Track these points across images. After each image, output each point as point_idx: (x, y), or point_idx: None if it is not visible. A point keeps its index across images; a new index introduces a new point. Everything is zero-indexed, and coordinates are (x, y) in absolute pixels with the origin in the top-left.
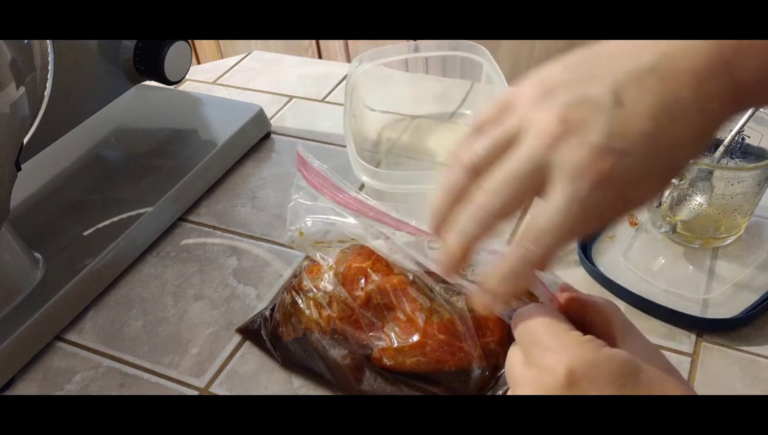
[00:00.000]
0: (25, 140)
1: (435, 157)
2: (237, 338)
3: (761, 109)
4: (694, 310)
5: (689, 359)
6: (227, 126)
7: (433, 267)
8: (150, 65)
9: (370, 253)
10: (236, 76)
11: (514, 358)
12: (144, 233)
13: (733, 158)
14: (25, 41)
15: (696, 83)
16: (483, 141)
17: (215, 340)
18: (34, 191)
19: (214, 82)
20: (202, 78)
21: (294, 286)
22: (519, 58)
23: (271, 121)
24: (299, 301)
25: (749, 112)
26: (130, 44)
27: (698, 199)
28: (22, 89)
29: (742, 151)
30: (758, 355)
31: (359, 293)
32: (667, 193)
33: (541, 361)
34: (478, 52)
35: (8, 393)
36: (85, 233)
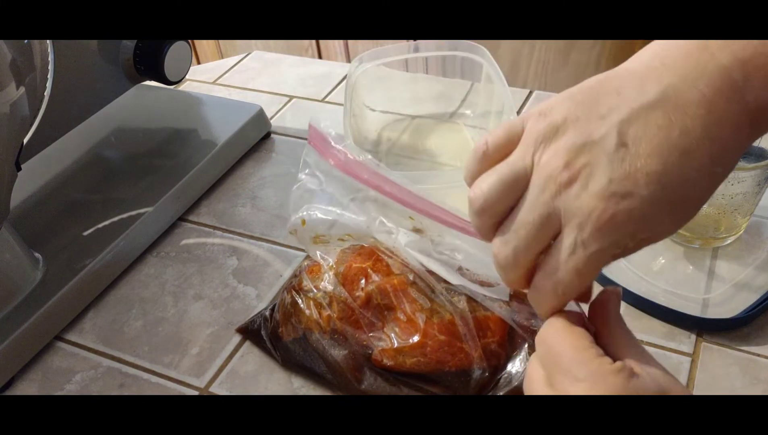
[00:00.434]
0: (25, 140)
1: (435, 157)
2: (237, 338)
3: None
4: (694, 310)
5: (689, 359)
6: (227, 126)
7: (434, 268)
8: (150, 65)
9: (370, 254)
10: (236, 76)
11: (535, 375)
12: (144, 233)
13: None
14: (25, 41)
15: (705, 113)
16: (490, 178)
17: (215, 340)
18: (34, 191)
19: (214, 82)
20: (202, 78)
21: (294, 286)
22: (519, 58)
23: (271, 121)
24: (299, 301)
25: None
26: (130, 44)
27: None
28: (22, 89)
29: None
30: (758, 355)
31: (359, 293)
32: None
33: (568, 389)
34: (478, 52)
35: (8, 393)
36: (85, 233)
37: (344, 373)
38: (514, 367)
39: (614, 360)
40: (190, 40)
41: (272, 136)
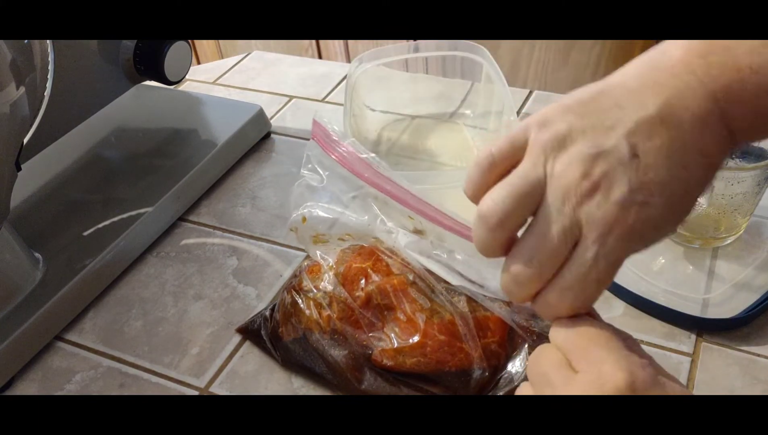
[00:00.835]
0: (25, 140)
1: (435, 157)
2: (237, 338)
3: None
4: (694, 310)
5: (689, 359)
6: (227, 126)
7: (434, 268)
8: (150, 65)
9: (370, 254)
10: (236, 76)
11: (552, 358)
12: (144, 233)
13: (733, 158)
14: (25, 41)
15: (698, 132)
16: (504, 190)
17: (215, 340)
18: (34, 191)
19: (214, 82)
20: (202, 78)
21: (294, 286)
22: (519, 58)
23: (271, 121)
24: (299, 301)
25: None
26: (130, 44)
27: (698, 199)
28: (22, 89)
29: (742, 151)
30: (758, 355)
31: (359, 293)
32: None
33: (597, 369)
34: (478, 52)
35: (8, 393)
36: (85, 233)
37: (344, 373)
38: (514, 367)
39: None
40: (190, 40)
41: (272, 136)
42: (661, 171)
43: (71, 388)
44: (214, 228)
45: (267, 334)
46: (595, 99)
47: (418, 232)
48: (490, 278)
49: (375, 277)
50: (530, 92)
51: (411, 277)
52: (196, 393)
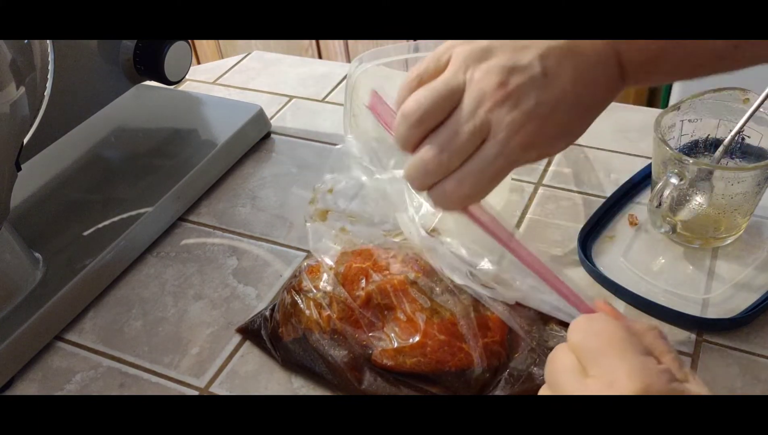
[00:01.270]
0: (25, 140)
1: None
2: (237, 338)
3: (761, 109)
4: (694, 310)
5: (689, 359)
6: (227, 126)
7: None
8: (150, 65)
9: (370, 254)
10: (236, 76)
11: (566, 361)
12: (144, 233)
13: (733, 158)
14: (25, 41)
15: (597, 65)
16: (426, 92)
17: (215, 340)
18: (34, 191)
19: (214, 82)
20: (202, 78)
21: (294, 286)
22: None
23: (271, 121)
24: (299, 301)
25: (749, 112)
26: (130, 44)
27: (698, 199)
28: (22, 89)
29: (742, 151)
30: (758, 355)
31: (360, 293)
32: (667, 192)
33: (609, 376)
34: None
35: (8, 393)
36: (85, 233)
37: (344, 374)
38: (514, 367)
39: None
40: (190, 40)
41: (272, 136)
42: (563, 93)
43: (71, 388)
44: (214, 228)
45: (267, 334)
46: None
47: (437, 232)
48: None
49: (375, 277)
50: None
51: (411, 277)
52: (196, 393)
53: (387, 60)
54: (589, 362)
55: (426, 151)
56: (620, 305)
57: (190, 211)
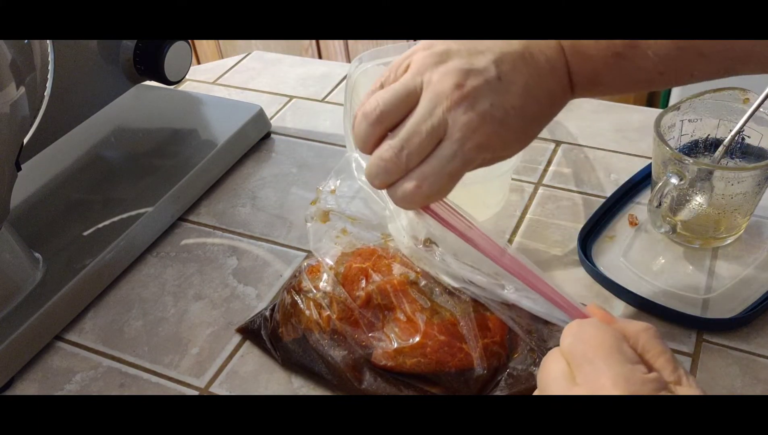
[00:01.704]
0: (25, 140)
1: None
2: (237, 338)
3: (761, 109)
4: (694, 310)
5: (689, 359)
6: (227, 126)
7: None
8: (150, 65)
9: (370, 254)
10: (236, 76)
11: (556, 367)
12: (144, 233)
13: (733, 158)
14: (25, 41)
15: (549, 74)
16: (385, 93)
17: (215, 340)
18: (34, 191)
19: (214, 82)
20: (202, 78)
21: (294, 286)
22: None
23: (271, 121)
24: (299, 301)
25: (749, 112)
26: (130, 44)
27: (698, 199)
28: (22, 89)
29: (742, 151)
30: (758, 355)
31: (360, 293)
32: (666, 191)
33: (594, 384)
34: None
35: (8, 393)
36: (85, 233)
37: (344, 374)
38: (514, 367)
39: (649, 369)
40: (190, 40)
41: (272, 136)
42: (517, 97)
43: (71, 388)
44: (214, 228)
45: (267, 334)
46: (468, 42)
47: (430, 242)
48: (496, 283)
49: (375, 277)
50: None
51: (412, 277)
52: (196, 393)
53: (387, 60)
54: (576, 367)
55: (385, 151)
56: (620, 305)
57: (190, 211)
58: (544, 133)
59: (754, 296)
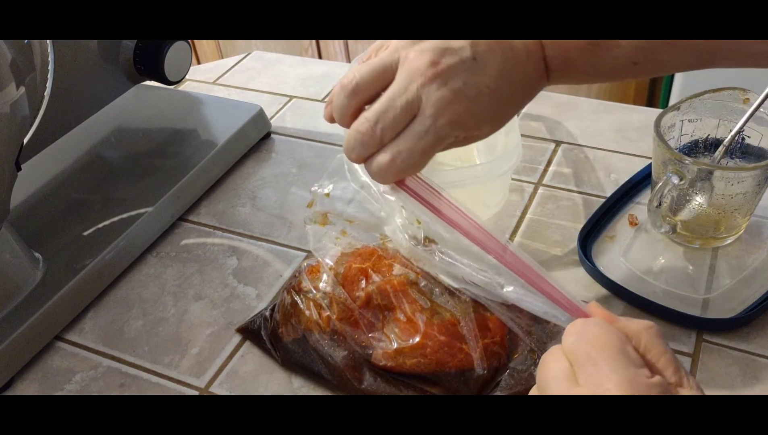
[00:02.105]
0: (25, 140)
1: (434, 157)
2: (237, 338)
3: (761, 109)
4: (694, 310)
5: (689, 359)
6: (227, 126)
7: (435, 272)
8: (150, 65)
9: (370, 254)
10: (236, 76)
11: (557, 366)
12: (144, 233)
13: (733, 158)
14: (25, 41)
15: (525, 59)
16: (363, 67)
17: (215, 340)
18: (34, 191)
19: (214, 82)
20: (202, 78)
21: (294, 286)
22: None
23: (271, 121)
24: (299, 301)
25: (749, 112)
26: (130, 44)
27: (698, 199)
28: (22, 89)
29: (742, 151)
30: (758, 355)
31: (360, 294)
32: (666, 191)
33: (597, 386)
34: None
35: (8, 393)
36: (85, 233)
37: (344, 374)
38: (514, 367)
39: (651, 372)
40: (190, 40)
41: (272, 136)
42: (491, 78)
43: (71, 388)
44: (214, 228)
45: (267, 334)
46: None
47: (429, 241)
48: (495, 283)
49: (375, 278)
50: None
51: (412, 277)
52: (196, 393)
53: None
54: (579, 367)
55: (361, 124)
56: (620, 305)
57: (190, 211)
58: (544, 133)
59: (754, 296)
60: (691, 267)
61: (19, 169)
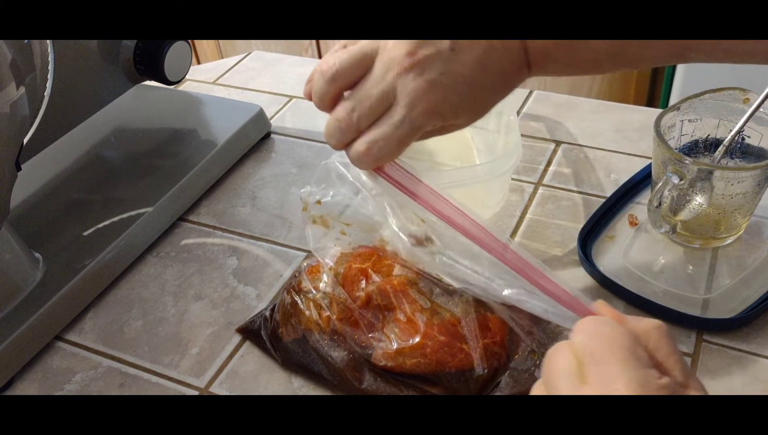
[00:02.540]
0: (25, 140)
1: (434, 157)
2: (237, 338)
3: (761, 109)
4: (694, 310)
5: (689, 359)
6: (227, 126)
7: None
8: (150, 65)
9: (370, 255)
10: (236, 76)
11: (564, 363)
12: (144, 233)
13: (733, 158)
14: (25, 41)
15: (504, 51)
16: (343, 53)
17: (215, 340)
18: (34, 191)
19: (214, 82)
20: (202, 78)
21: (294, 286)
22: None
23: (271, 121)
24: (299, 301)
25: (749, 112)
26: (130, 44)
27: (698, 199)
28: (22, 89)
29: (742, 151)
30: (758, 355)
31: (359, 294)
32: (667, 192)
33: (606, 386)
34: None
35: (8, 393)
36: (85, 233)
37: (344, 374)
38: (514, 368)
39: (660, 373)
40: (190, 40)
41: (272, 136)
42: (469, 68)
43: (71, 388)
44: (214, 228)
45: (267, 334)
46: None
47: (428, 240)
48: (496, 285)
49: (375, 278)
50: (530, 92)
51: (412, 277)
52: (196, 393)
53: None
54: (588, 366)
55: (339, 111)
56: (620, 305)
57: (190, 211)
58: (544, 133)
59: (754, 296)
60: (691, 267)
61: (19, 169)
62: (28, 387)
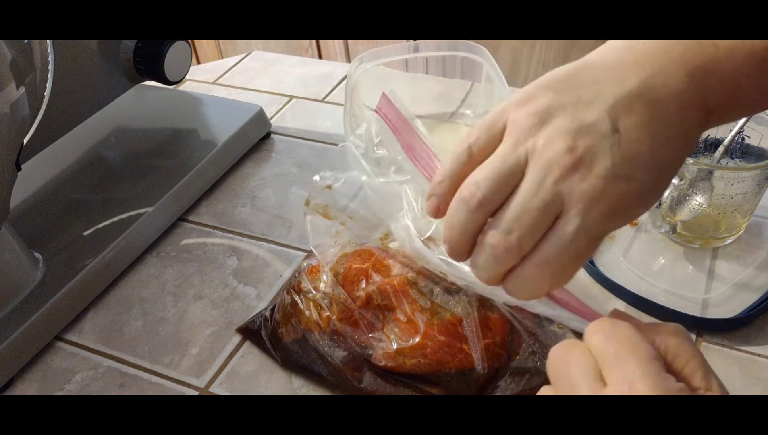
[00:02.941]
0: (25, 140)
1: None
2: (237, 338)
3: None
4: (694, 310)
5: None
6: (227, 126)
7: (442, 269)
8: (150, 65)
9: (370, 255)
10: (236, 76)
11: (582, 360)
12: (144, 233)
13: (733, 158)
14: (25, 41)
15: (677, 108)
16: (484, 173)
17: (215, 340)
18: (34, 191)
19: (214, 82)
20: (202, 78)
21: (293, 286)
22: (519, 58)
23: (271, 121)
24: (299, 301)
25: None
26: (130, 44)
27: (698, 199)
28: (22, 89)
29: (742, 151)
30: (758, 355)
31: (359, 294)
32: (666, 193)
33: (632, 385)
34: (478, 52)
35: (8, 393)
36: (85, 233)
37: (344, 374)
38: (515, 368)
39: (678, 378)
40: (190, 40)
41: (272, 136)
42: (642, 146)
43: (71, 388)
44: (214, 228)
45: (267, 334)
46: (573, 76)
47: (430, 239)
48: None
49: (375, 278)
50: None
51: (412, 277)
52: (196, 393)
53: (387, 60)
54: (609, 366)
55: (492, 236)
56: (620, 305)
57: (190, 211)
58: None
59: (754, 296)
60: (691, 267)
61: (19, 169)
62: (28, 387)
